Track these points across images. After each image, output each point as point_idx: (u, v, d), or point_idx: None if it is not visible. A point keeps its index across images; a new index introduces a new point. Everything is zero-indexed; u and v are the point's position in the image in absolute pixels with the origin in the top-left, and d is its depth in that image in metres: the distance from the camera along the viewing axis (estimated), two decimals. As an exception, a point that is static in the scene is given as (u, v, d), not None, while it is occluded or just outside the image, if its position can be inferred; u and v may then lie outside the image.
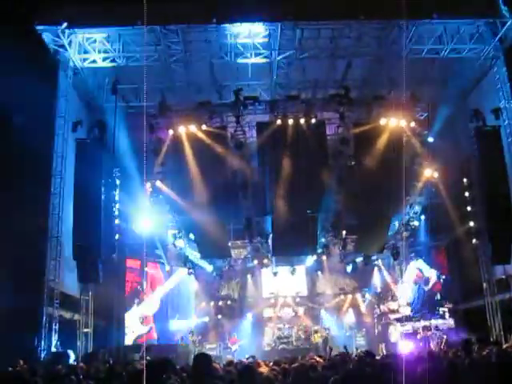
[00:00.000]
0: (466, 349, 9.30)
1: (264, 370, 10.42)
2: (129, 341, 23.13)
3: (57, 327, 18.46)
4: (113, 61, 20.02)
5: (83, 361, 17.11)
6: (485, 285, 22.20)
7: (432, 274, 24.95)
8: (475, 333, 18.94)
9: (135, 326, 23.56)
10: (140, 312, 23.83)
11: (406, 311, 24.65)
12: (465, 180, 22.36)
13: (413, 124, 21.72)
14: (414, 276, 25.69)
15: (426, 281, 25.17)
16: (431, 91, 21.71)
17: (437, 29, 20.05)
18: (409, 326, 23.39)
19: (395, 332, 24.10)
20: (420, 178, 22.96)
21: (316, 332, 24.89)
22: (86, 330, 21.20)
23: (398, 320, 24.33)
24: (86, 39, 19.59)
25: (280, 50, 20.36)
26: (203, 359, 6.18)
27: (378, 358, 11.44)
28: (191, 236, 23.76)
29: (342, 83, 21.79)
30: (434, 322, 22.82)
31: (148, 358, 19.25)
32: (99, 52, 19.83)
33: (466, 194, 22.31)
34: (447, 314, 23.32)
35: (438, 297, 24.22)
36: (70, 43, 19.26)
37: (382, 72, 21.68)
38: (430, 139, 21.81)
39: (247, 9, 18.58)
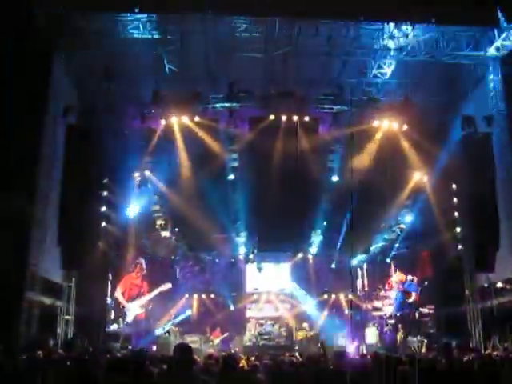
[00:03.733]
0: (446, 353, 9.30)
1: (244, 364, 10.44)
2: (129, 318, 23.66)
3: (37, 313, 18.32)
4: (108, 47, 19.76)
5: (62, 347, 17.02)
6: (467, 292, 22.31)
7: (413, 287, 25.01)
8: (455, 339, 19.04)
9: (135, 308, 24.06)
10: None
11: (389, 310, 24.79)
12: (453, 186, 22.45)
13: (405, 127, 21.75)
14: (398, 282, 25.73)
15: (407, 292, 25.13)
16: (425, 95, 21.70)
17: (434, 33, 20.02)
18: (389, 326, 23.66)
19: (372, 334, 24.20)
20: (410, 182, 23.01)
21: (299, 330, 24.87)
22: (66, 317, 21.11)
23: (381, 318, 24.53)
24: (81, 23, 19.30)
25: (276, 46, 20.27)
26: (184, 350, 6.10)
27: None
28: (178, 227, 23.70)
29: (337, 82, 21.73)
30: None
31: (129, 347, 19.27)
32: (94, 37, 19.55)
33: (454, 200, 22.40)
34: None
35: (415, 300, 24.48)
36: (64, 27, 18.98)
37: (378, 74, 21.69)
38: (422, 143, 21.81)
39: (245, 2, 18.44)
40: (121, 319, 23.78)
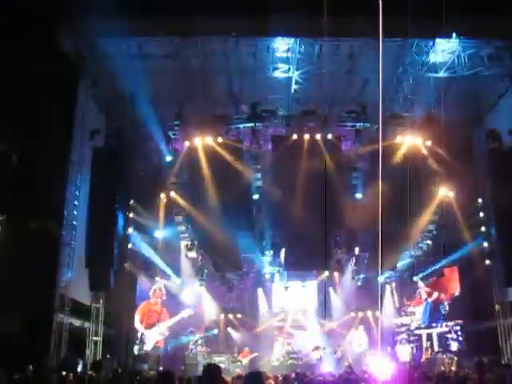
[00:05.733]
0: (479, 370, 9.20)
1: (271, 382, 10.47)
2: (148, 347, 23.34)
3: (67, 334, 18.52)
4: (133, 71, 20.07)
5: (91, 368, 17.12)
6: (497, 307, 22.02)
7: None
8: (486, 355, 18.75)
9: (154, 335, 23.82)
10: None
11: (416, 325, 24.70)
12: (479, 200, 22.29)
13: (429, 143, 21.68)
14: (425, 294, 25.56)
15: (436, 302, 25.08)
16: (449, 110, 21.66)
17: (455, 48, 20.02)
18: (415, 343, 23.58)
19: (405, 351, 23.92)
20: (435, 197, 22.86)
21: (315, 349, 24.43)
22: (95, 339, 21.29)
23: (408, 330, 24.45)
24: (106, 49, 19.67)
25: (298, 65, 20.47)
26: (214, 370, 6.14)
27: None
28: (204, 248, 23.78)
29: (359, 100, 21.80)
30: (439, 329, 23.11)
31: (159, 368, 19.33)
32: (119, 62, 19.90)
33: (481, 214, 22.22)
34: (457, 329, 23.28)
35: (446, 309, 24.30)
36: (90, 53, 19.39)
37: (400, 90, 21.75)
38: (446, 158, 21.69)
39: (266, 23, 18.64)
40: (137, 347, 23.54)
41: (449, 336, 23.31)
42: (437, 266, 24.66)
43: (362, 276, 26.10)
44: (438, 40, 19.32)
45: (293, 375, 11.70)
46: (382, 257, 22.49)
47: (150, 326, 24.05)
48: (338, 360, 23.62)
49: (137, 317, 23.88)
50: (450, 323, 23.56)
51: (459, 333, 23.27)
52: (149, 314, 24.42)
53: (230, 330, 26.44)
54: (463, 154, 22.13)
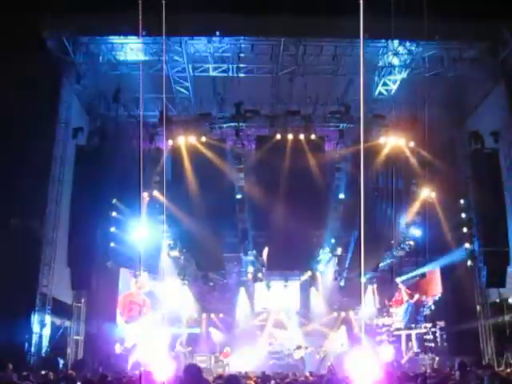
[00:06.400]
0: (461, 370, 9.23)
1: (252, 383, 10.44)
2: (129, 344, 22.99)
3: (48, 333, 18.40)
4: (115, 69, 20.02)
5: (72, 368, 17.04)
6: (478, 307, 22.17)
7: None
8: (467, 355, 18.86)
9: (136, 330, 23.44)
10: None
11: (399, 326, 24.77)
12: (462, 202, 22.40)
13: (412, 144, 21.77)
14: (406, 295, 25.66)
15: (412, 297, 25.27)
16: (432, 111, 21.78)
17: (438, 49, 20.14)
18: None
19: (388, 352, 24.00)
20: (417, 198, 22.97)
21: (297, 349, 24.43)
22: (76, 337, 21.14)
23: (390, 333, 24.50)
24: (90, 47, 19.58)
25: (282, 66, 20.48)
26: (194, 371, 6.11)
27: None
28: (186, 247, 23.70)
29: (343, 101, 21.85)
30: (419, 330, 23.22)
31: (140, 368, 19.17)
32: (103, 60, 19.84)
33: (463, 215, 22.34)
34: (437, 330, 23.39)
35: (431, 308, 24.40)
36: (74, 50, 19.28)
37: (383, 91, 21.82)
38: (429, 159, 21.81)
39: (251, 23, 18.64)
40: (118, 346, 22.89)
41: (428, 337, 23.41)
42: (419, 267, 24.81)
43: (344, 276, 26.16)
44: (421, 42, 19.42)
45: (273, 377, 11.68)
46: (363, 257, 22.66)
47: (131, 319, 23.62)
48: (320, 360, 23.67)
49: (117, 311, 23.53)
50: (429, 324, 23.68)
51: (438, 333, 23.38)
52: (130, 305, 23.92)
53: (211, 329, 26.36)
54: (446, 155, 22.26)
